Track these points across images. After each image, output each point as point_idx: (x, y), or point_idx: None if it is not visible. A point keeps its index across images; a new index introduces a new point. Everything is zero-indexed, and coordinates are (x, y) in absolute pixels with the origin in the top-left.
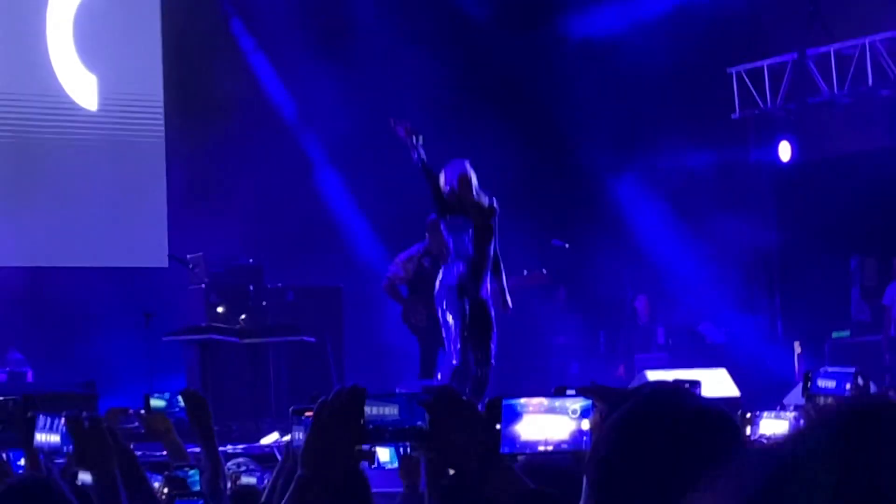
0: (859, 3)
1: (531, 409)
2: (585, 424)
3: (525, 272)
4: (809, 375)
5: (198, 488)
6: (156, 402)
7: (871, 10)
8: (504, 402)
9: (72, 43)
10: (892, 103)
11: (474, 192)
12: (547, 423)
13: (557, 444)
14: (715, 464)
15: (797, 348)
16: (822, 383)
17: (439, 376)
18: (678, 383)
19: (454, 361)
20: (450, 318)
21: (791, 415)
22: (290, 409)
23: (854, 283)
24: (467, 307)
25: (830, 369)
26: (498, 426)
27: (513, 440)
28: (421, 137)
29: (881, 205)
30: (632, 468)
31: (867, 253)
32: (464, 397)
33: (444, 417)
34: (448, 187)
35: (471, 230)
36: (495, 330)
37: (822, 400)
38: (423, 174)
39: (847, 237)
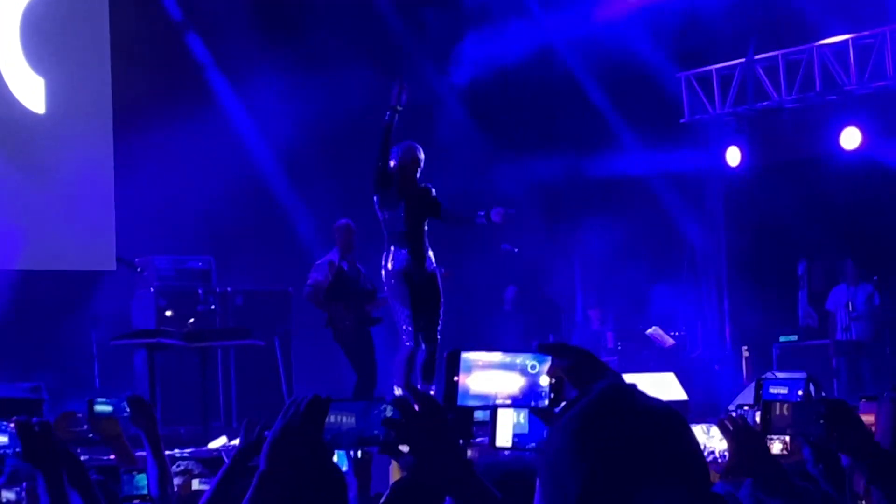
0: (807, 10)
1: (482, 363)
2: (544, 380)
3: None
4: (761, 383)
5: (145, 492)
6: (101, 408)
7: (819, 16)
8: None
9: (19, 46)
10: (840, 109)
11: (417, 172)
12: (499, 378)
13: (508, 399)
14: (665, 462)
15: (745, 352)
16: (773, 390)
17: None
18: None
19: (408, 344)
20: (398, 304)
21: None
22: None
23: (801, 287)
24: (408, 290)
25: (781, 375)
26: (455, 378)
27: (464, 393)
28: (401, 108)
29: (829, 210)
30: (582, 466)
31: (815, 258)
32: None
33: (410, 432)
34: (396, 163)
35: (402, 207)
36: (443, 306)
37: (777, 408)
38: (381, 136)
39: (795, 242)
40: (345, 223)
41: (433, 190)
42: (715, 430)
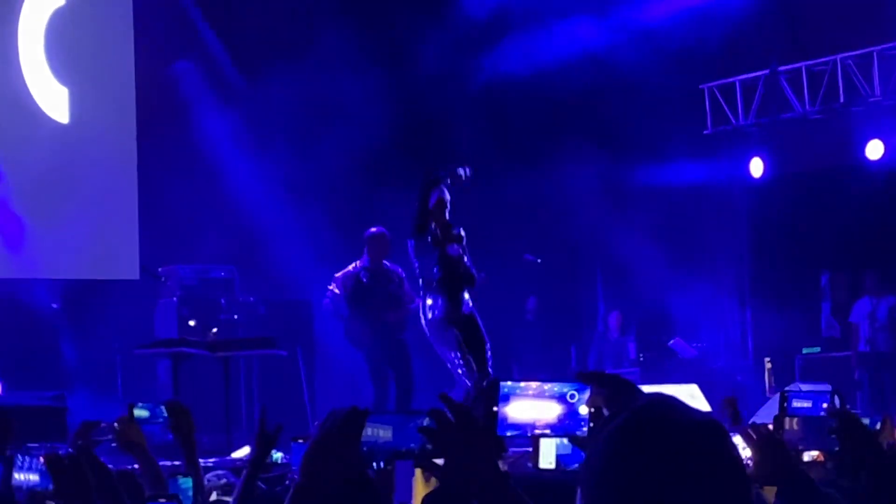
0: (831, 21)
1: (520, 392)
2: (583, 409)
3: None
4: (785, 396)
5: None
6: (139, 412)
7: (843, 27)
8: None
9: (43, 56)
10: (863, 119)
11: (447, 216)
12: (536, 407)
13: (547, 427)
14: (706, 475)
15: (768, 364)
16: (797, 403)
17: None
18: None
19: (466, 383)
20: (447, 350)
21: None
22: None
23: (825, 299)
24: (452, 334)
25: (805, 388)
26: (495, 408)
27: (502, 421)
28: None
29: (852, 221)
30: (623, 480)
31: (838, 269)
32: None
33: (443, 443)
34: (434, 209)
35: (437, 256)
36: (488, 342)
37: (787, 422)
38: (427, 186)
39: (818, 253)
40: (378, 232)
41: (464, 236)
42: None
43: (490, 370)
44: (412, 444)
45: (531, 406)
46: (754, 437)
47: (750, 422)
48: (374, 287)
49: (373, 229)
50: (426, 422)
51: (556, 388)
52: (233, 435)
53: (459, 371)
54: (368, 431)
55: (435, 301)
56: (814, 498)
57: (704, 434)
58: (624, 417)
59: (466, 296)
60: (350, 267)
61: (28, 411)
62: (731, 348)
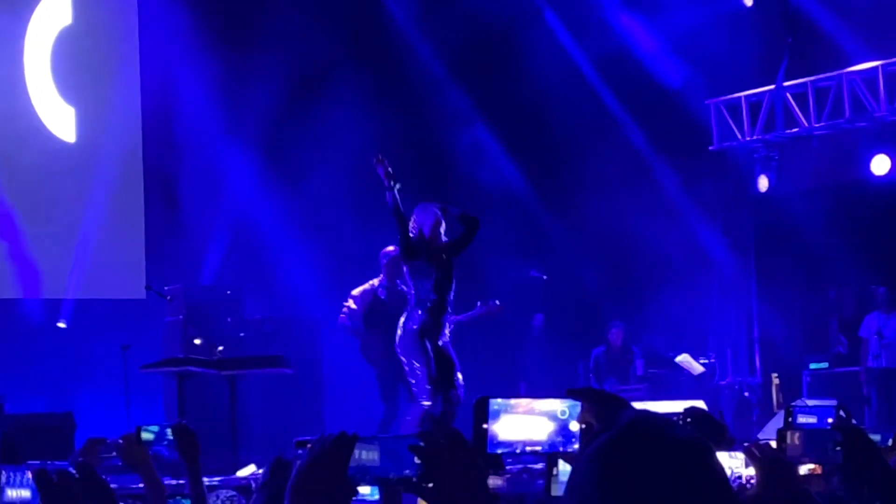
0: (836, 37)
1: (510, 409)
2: (574, 426)
3: (478, 303)
4: (791, 411)
5: None
6: (145, 435)
7: (848, 43)
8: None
9: (50, 75)
10: (870, 135)
11: (441, 238)
12: (527, 424)
13: (538, 445)
14: (691, 494)
15: (775, 380)
16: (803, 419)
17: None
18: (657, 414)
19: (425, 403)
20: (415, 363)
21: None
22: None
23: (832, 314)
24: (431, 350)
25: (811, 403)
26: (485, 425)
27: (491, 439)
28: (398, 184)
29: (859, 236)
30: (609, 499)
31: (845, 285)
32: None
33: (436, 465)
34: (416, 231)
35: (432, 276)
36: (458, 369)
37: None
38: (394, 216)
39: (825, 269)
40: (393, 252)
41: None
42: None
43: (460, 394)
44: (407, 471)
45: (521, 423)
46: (758, 455)
47: (756, 438)
48: (390, 305)
49: (389, 248)
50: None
51: (546, 405)
52: (238, 453)
53: (421, 389)
54: (357, 454)
55: (422, 317)
56: None
57: (689, 452)
58: (608, 435)
59: (447, 331)
60: (367, 285)
61: (36, 429)
62: (738, 364)
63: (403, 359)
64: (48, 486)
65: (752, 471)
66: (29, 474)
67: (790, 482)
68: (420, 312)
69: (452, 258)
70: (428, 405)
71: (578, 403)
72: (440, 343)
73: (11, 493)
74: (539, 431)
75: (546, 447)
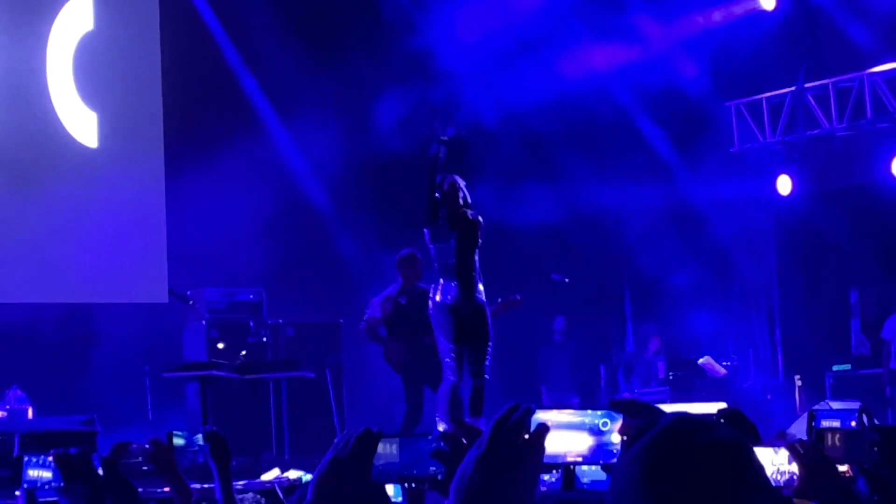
0: (857, 37)
1: (552, 422)
2: (615, 438)
3: (499, 300)
4: (813, 414)
5: None
6: (176, 441)
7: (869, 43)
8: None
9: (72, 80)
10: (891, 136)
11: (461, 202)
12: (569, 437)
13: (579, 457)
14: (731, 495)
15: (798, 382)
16: (826, 422)
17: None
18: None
19: (451, 378)
20: (442, 338)
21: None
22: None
23: (854, 316)
24: (453, 324)
25: (834, 406)
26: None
27: None
28: (445, 141)
29: (881, 238)
30: (650, 498)
31: (867, 286)
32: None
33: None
34: (438, 192)
35: (453, 240)
36: (492, 340)
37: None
38: (428, 169)
39: (847, 270)
40: (408, 253)
41: (482, 223)
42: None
43: (487, 371)
44: (432, 468)
45: (563, 436)
46: (801, 451)
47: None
48: (411, 309)
49: (403, 251)
50: (435, 446)
51: (587, 419)
52: (262, 457)
53: (448, 361)
54: (378, 452)
55: (447, 286)
56: None
57: (730, 453)
58: (649, 436)
59: (481, 286)
60: (388, 291)
61: (58, 435)
62: (760, 367)
63: (434, 331)
64: (69, 466)
65: (794, 467)
66: (50, 458)
67: (832, 478)
68: (443, 281)
69: (479, 225)
70: (452, 380)
71: (619, 415)
72: (469, 312)
73: (33, 473)
74: (579, 444)
75: (587, 459)
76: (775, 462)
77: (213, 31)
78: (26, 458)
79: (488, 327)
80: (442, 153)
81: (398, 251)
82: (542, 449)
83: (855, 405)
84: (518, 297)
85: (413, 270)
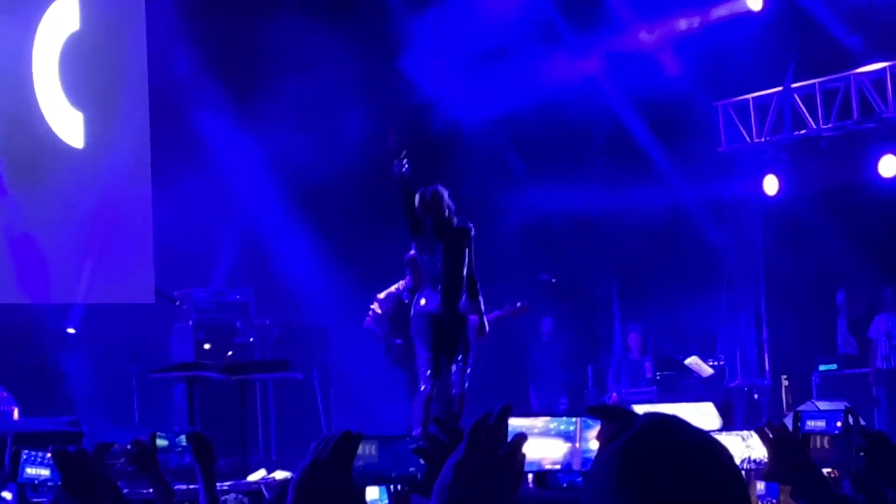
0: (844, 38)
1: (527, 430)
2: (593, 445)
3: (507, 306)
4: (799, 416)
5: None
6: (160, 442)
7: (856, 44)
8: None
9: (58, 80)
10: (878, 137)
11: (445, 211)
12: (545, 444)
13: (556, 464)
14: (709, 493)
15: (785, 382)
16: (811, 423)
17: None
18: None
19: (423, 388)
20: (419, 345)
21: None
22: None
23: (841, 315)
24: (432, 332)
25: (822, 406)
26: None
27: None
28: (406, 155)
29: (867, 238)
30: (626, 498)
31: (853, 286)
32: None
33: (440, 466)
34: (420, 203)
35: (440, 251)
36: (472, 351)
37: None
38: (398, 187)
39: (833, 270)
40: (415, 254)
41: (472, 230)
42: (754, 438)
43: (466, 381)
44: (412, 469)
45: (538, 444)
46: (770, 435)
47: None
48: None
49: (412, 251)
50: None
51: (562, 426)
52: (249, 458)
53: (424, 370)
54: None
55: (432, 294)
56: (828, 495)
57: (706, 451)
58: (625, 436)
59: (464, 298)
60: (392, 288)
61: (44, 436)
62: (747, 366)
63: (413, 341)
64: (67, 464)
65: (763, 453)
66: (48, 455)
67: (801, 460)
68: (428, 290)
69: (468, 234)
70: (427, 390)
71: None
72: (450, 324)
73: (30, 470)
74: (556, 451)
75: (564, 466)
76: (744, 449)
77: (201, 32)
78: (24, 455)
79: (469, 339)
80: (405, 169)
81: (393, 251)
82: (522, 457)
83: (841, 405)
84: (527, 304)
85: (416, 271)
